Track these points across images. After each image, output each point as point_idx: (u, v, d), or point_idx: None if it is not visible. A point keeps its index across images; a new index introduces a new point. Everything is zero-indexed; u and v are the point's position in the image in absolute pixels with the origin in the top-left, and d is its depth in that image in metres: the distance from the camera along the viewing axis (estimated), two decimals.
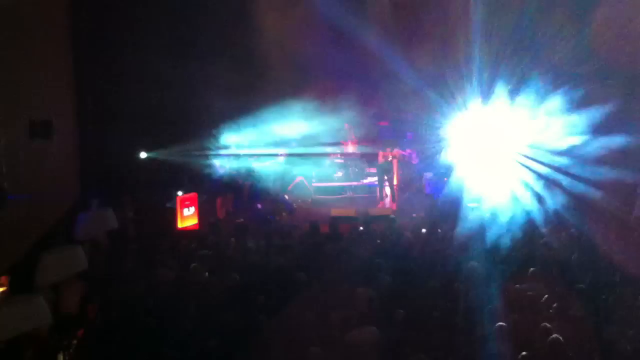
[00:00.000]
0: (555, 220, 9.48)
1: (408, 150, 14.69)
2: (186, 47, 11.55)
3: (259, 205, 12.34)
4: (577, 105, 12.31)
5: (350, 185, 14.83)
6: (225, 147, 12.87)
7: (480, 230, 9.40)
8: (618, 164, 12.20)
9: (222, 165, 12.60)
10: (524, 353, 5.34)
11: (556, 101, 12.67)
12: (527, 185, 13.13)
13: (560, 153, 13.03)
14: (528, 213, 10.76)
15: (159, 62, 10.71)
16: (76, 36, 9.92)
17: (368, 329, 5.98)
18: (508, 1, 13.20)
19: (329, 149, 15.41)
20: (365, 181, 15.01)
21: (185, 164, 12.25)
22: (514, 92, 13.61)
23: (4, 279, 6.74)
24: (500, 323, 5.87)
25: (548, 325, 5.86)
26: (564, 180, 12.45)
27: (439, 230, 9.64)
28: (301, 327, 5.95)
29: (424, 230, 9.81)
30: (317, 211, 12.87)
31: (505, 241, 8.75)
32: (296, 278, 7.25)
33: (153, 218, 10.85)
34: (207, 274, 7.58)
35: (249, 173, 13.58)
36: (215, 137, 12.77)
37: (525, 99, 13.47)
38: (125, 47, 10.20)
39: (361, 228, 9.94)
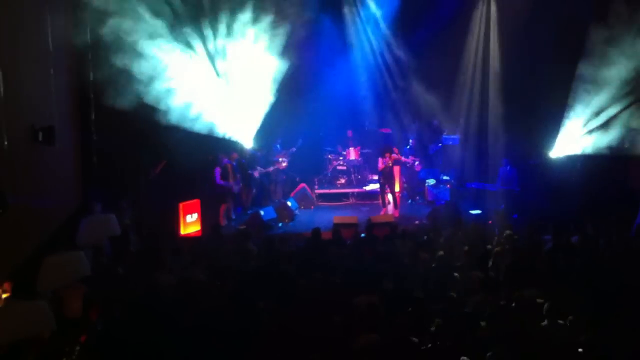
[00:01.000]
0: (558, 226, 9.45)
1: (411, 158, 14.70)
2: (191, 49, 11.58)
3: (262, 211, 12.34)
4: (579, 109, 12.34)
5: (353, 192, 14.84)
6: (228, 152, 12.86)
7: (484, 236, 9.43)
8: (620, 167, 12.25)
9: (224, 170, 12.58)
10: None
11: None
12: (530, 190, 13.15)
13: (564, 158, 13.06)
14: (531, 219, 10.76)
15: (163, 63, 10.76)
16: (78, 38, 9.93)
17: (370, 336, 5.95)
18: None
19: (331, 156, 15.47)
20: (367, 188, 15.02)
21: (189, 168, 12.24)
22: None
23: (7, 285, 6.73)
24: (502, 328, 5.87)
25: (549, 329, 5.86)
26: (567, 186, 12.46)
27: (441, 239, 9.62)
28: (302, 332, 5.93)
29: (425, 237, 9.79)
30: (320, 218, 12.87)
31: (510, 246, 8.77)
32: (297, 283, 7.24)
33: (154, 223, 10.83)
34: (208, 279, 7.57)
35: (251, 179, 13.60)
36: (220, 142, 12.77)
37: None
38: (128, 49, 10.22)
39: (363, 235, 9.95)
